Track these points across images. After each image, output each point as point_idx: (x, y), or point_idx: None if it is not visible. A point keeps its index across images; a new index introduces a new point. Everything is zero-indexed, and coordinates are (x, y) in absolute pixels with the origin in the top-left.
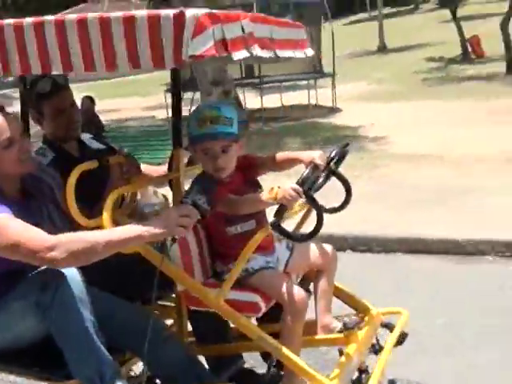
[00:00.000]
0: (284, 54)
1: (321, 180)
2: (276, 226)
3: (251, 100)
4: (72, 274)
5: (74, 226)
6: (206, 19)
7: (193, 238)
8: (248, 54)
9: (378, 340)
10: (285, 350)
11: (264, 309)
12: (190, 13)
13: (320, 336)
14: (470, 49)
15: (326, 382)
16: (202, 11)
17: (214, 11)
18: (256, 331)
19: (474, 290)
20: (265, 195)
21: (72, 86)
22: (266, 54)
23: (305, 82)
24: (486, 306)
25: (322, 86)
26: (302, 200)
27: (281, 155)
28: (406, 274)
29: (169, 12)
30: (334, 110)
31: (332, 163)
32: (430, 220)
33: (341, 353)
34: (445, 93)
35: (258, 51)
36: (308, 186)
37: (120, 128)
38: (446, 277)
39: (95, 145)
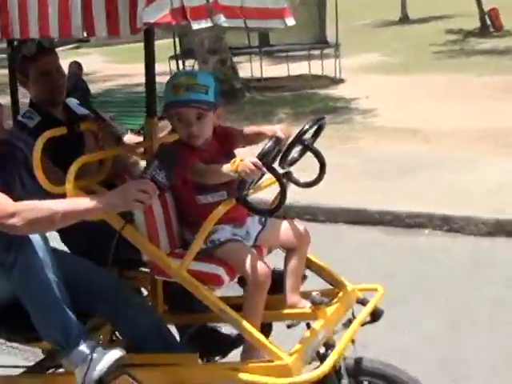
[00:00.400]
0: (256, 23)
1: (295, 155)
2: (241, 198)
3: (262, 69)
4: (36, 236)
5: (47, 192)
6: None
7: (159, 205)
8: (210, 24)
9: (354, 316)
10: (244, 324)
11: (227, 281)
12: None
13: (287, 310)
14: (489, 22)
15: (283, 356)
16: None
17: None
18: (217, 303)
19: (407, 264)
20: (227, 167)
21: (92, 50)
22: (233, 23)
23: (317, 52)
24: (417, 279)
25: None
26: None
27: (248, 129)
28: (345, 244)
29: None
30: (335, 81)
31: (307, 137)
32: (380, 192)
33: (308, 327)
34: (451, 67)
35: (222, 20)
36: (269, 159)
37: (106, 94)
38: (381, 249)
39: (81, 110)
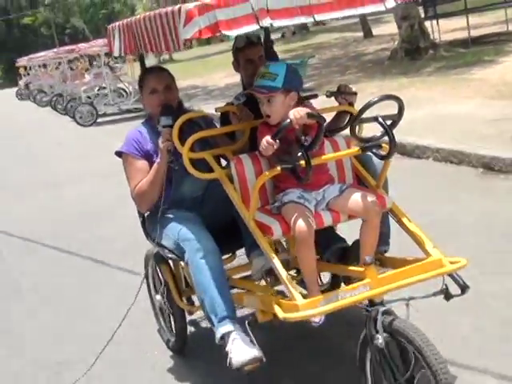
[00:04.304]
0: (336, 14)
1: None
2: (283, 167)
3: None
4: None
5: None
6: (195, 11)
7: (251, 168)
8: (256, 27)
9: (447, 288)
10: (276, 263)
11: (277, 234)
12: (184, 8)
13: (343, 266)
14: None
15: (297, 298)
16: (192, 5)
17: (207, 1)
18: (266, 248)
19: None
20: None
21: None
22: (289, 22)
23: None
24: None
25: None
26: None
27: None
28: None
29: (173, 8)
30: None
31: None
32: None
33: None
34: None
35: (269, 23)
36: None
37: None
38: None
39: None
